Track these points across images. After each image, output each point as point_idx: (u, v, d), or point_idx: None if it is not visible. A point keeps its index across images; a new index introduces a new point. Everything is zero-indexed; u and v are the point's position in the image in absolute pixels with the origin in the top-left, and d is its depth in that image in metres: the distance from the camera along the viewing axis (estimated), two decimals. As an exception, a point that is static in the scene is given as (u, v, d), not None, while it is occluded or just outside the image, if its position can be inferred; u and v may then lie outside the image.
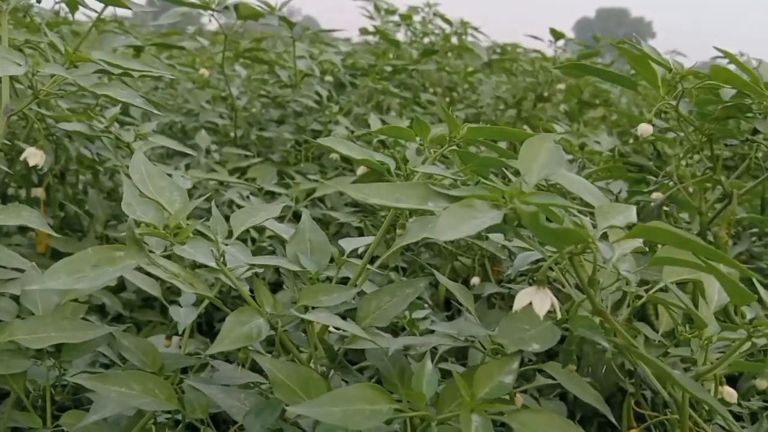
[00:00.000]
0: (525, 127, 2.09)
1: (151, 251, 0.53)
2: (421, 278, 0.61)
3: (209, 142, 1.54)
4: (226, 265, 0.55)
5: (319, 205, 1.43)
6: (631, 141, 1.44)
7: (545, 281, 0.45)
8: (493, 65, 2.21)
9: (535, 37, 2.04)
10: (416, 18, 2.44)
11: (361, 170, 1.44)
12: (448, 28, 2.36)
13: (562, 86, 1.99)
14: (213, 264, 0.51)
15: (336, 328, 0.58)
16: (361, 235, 1.56)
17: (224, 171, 1.42)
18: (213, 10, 1.30)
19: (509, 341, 0.46)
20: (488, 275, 1.07)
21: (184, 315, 0.64)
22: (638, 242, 0.53)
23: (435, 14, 2.52)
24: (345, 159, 1.71)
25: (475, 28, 2.02)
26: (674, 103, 0.86)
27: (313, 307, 0.54)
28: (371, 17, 2.48)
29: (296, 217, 1.34)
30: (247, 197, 1.31)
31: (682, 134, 0.99)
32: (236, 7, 1.52)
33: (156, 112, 0.72)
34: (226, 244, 0.57)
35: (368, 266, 0.63)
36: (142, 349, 0.61)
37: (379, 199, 0.47)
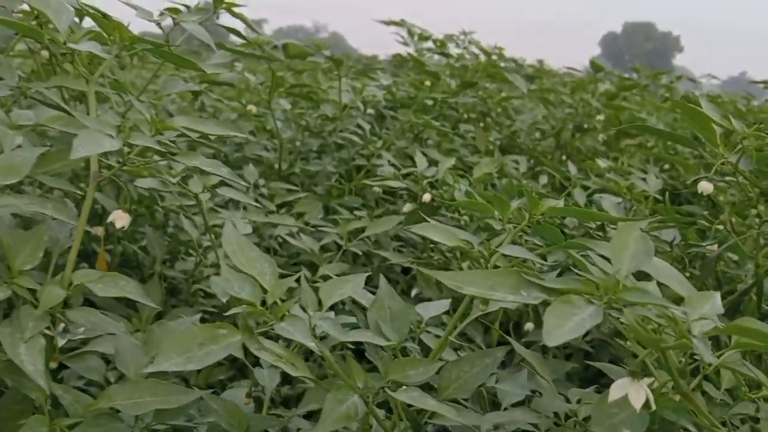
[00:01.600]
0: (563, 157, 2.10)
1: (249, 329, 0.55)
2: (499, 348, 0.63)
3: (257, 176, 1.57)
4: (319, 341, 0.57)
5: (364, 240, 1.46)
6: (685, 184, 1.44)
7: (640, 373, 0.47)
8: (531, 94, 2.23)
9: (574, 69, 2.05)
10: (450, 45, 2.46)
11: (407, 207, 1.47)
12: (482, 55, 2.39)
13: (601, 117, 1.99)
14: (313, 344, 0.53)
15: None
16: (405, 272, 1.58)
17: (271, 205, 1.46)
18: (262, 56, 1.33)
19: (603, 429, 0.48)
20: (541, 320, 1.08)
21: (268, 378, 0.66)
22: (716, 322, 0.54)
23: (471, 42, 2.55)
24: (386, 191, 1.74)
25: (515, 61, 2.04)
26: (733, 161, 0.87)
27: (400, 383, 0.56)
28: (405, 43, 2.52)
29: (346, 255, 1.37)
30: (298, 234, 1.34)
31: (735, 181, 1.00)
32: (285, 46, 1.56)
33: (241, 182, 0.75)
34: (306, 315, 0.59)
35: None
36: (229, 410, 0.64)
37: (474, 287, 0.49)
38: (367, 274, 0.63)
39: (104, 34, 0.78)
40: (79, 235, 0.70)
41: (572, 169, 1.62)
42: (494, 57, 2.29)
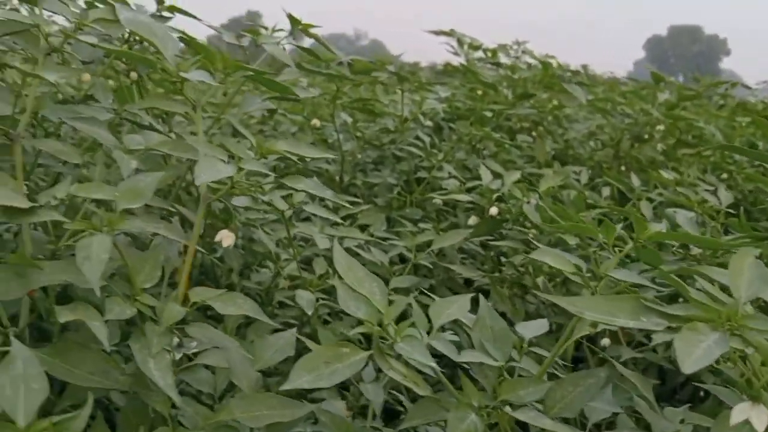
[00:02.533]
0: (622, 167, 2.09)
1: (361, 346, 0.58)
2: (602, 368, 0.64)
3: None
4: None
5: (428, 252, 1.48)
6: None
7: (760, 397, 0.48)
8: (586, 103, 2.22)
9: (633, 79, 2.04)
10: (501, 55, 2.47)
11: (472, 220, 1.48)
12: (535, 63, 2.39)
13: (661, 127, 1.98)
14: (432, 363, 0.56)
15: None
16: (469, 283, 1.59)
17: (336, 217, 1.49)
18: (334, 75, 1.37)
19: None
20: (617, 336, 1.08)
21: (373, 392, 0.69)
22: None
23: (524, 52, 2.55)
24: (446, 203, 1.76)
25: (572, 71, 2.04)
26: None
27: (511, 403, 0.58)
28: (456, 53, 2.53)
29: (414, 268, 1.40)
30: (367, 248, 1.37)
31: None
32: (351, 63, 1.59)
33: (345, 204, 0.78)
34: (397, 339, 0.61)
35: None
36: (337, 424, 0.67)
37: (594, 313, 0.50)
38: (470, 296, 0.65)
39: (208, 62, 0.82)
40: (190, 253, 0.74)
41: (635, 180, 1.61)
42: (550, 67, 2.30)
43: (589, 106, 2.29)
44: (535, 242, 1.24)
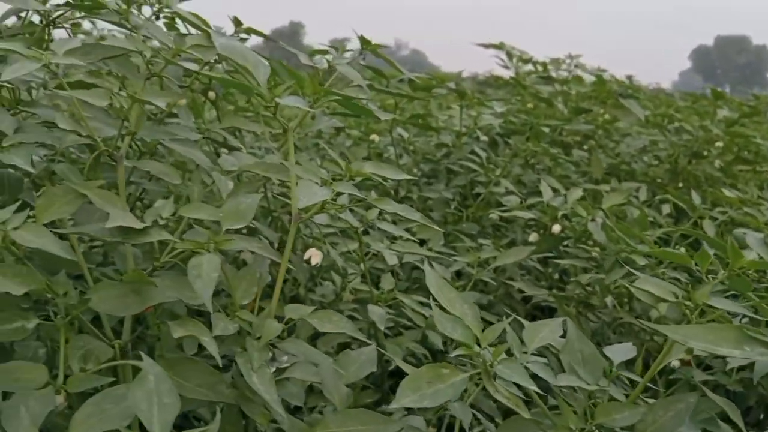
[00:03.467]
0: (679, 184, 2.06)
1: (461, 365, 0.60)
2: (692, 393, 0.65)
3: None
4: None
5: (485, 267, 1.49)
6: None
7: None
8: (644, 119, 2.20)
9: (691, 94, 2.02)
10: (551, 68, 2.47)
11: (533, 237, 1.49)
12: (587, 76, 2.39)
13: (719, 143, 1.96)
14: (534, 386, 0.57)
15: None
16: (526, 300, 1.60)
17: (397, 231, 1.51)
18: (399, 94, 1.40)
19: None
20: (687, 358, 1.08)
21: (461, 411, 0.71)
22: None
23: (577, 66, 2.55)
24: (503, 219, 1.77)
25: (631, 88, 2.03)
26: None
27: (605, 426, 0.59)
28: (506, 66, 2.54)
29: (475, 285, 1.41)
30: (430, 264, 1.39)
31: None
32: (411, 80, 1.62)
33: (434, 226, 0.81)
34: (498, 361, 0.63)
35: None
36: (425, 441, 0.69)
37: (699, 342, 0.52)
38: (561, 319, 0.66)
39: (298, 87, 0.86)
40: (282, 270, 0.78)
41: (695, 198, 1.60)
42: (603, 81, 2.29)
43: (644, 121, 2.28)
44: (595, 260, 1.25)
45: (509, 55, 2.53)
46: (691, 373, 1.01)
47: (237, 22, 1.22)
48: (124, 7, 0.86)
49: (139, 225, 0.65)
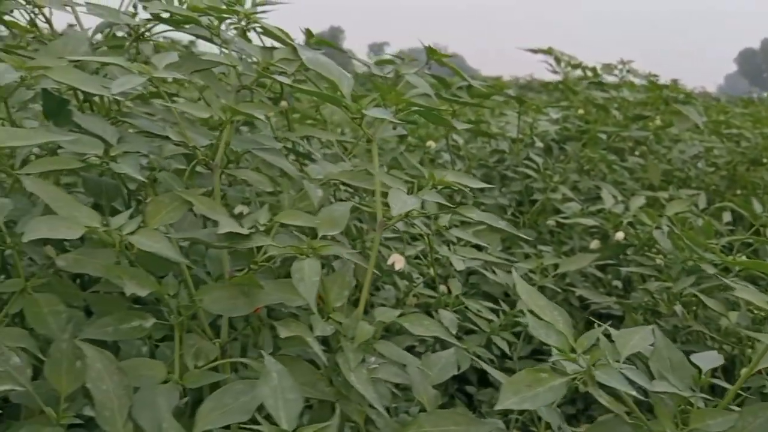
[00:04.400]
0: (737, 191, 2.04)
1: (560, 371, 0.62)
2: (780, 403, 0.66)
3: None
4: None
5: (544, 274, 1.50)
6: None
7: None
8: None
9: (740, 98, 2.00)
10: (601, 73, 2.46)
11: (594, 244, 1.50)
12: (638, 82, 2.38)
13: (780, 151, 1.93)
14: (633, 391, 0.59)
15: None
16: (585, 307, 1.60)
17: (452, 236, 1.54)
18: (462, 102, 1.42)
19: None
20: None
21: (548, 414, 0.72)
22: None
23: (629, 71, 2.53)
24: (559, 224, 1.77)
25: (688, 94, 2.02)
26: None
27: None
28: (555, 71, 2.54)
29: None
30: (491, 269, 1.41)
31: None
32: (469, 87, 1.64)
33: (523, 236, 0.83)
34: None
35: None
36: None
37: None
38: (650, 327, 0.68)
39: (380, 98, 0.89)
40: (369, 275, 0.80)
41: (757, 206, 1.58)
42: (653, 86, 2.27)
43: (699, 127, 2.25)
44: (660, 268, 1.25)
45: (557, 60, 2.53)
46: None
47: (309, 34, 1.26)
48: (216, 22, 0.90)
49: (245, 231, 0.68)
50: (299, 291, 0.65)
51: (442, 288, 1.32)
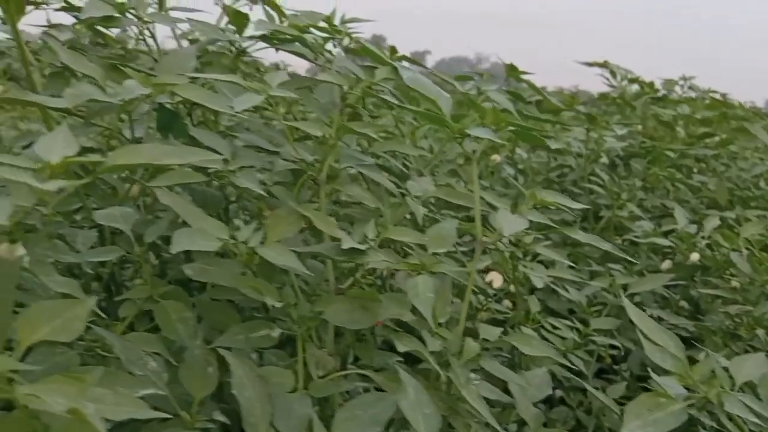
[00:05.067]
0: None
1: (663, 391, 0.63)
2: None
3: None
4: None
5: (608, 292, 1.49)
6: None
7: None
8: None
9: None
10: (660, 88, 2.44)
11: (666, 264, 1.49)
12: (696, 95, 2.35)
13: None
14: (755, 419, 0.60)
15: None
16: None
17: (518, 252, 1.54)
18: (536, 117, 1.43)
19: None
20: None
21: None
22: None
23: (690, 87, 2.51)
24: (624, 241, 1.76)
25: (753, 112, 1.99)
26: None
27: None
28: (611, 85, 2.53)
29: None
30: (563, 286, 1.41)
31: None
32: (539, 102, 1.65)
33: (625, 256, 0.84)
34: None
35: None
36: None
37: None
38: (762, 354, 0.68)
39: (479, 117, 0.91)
40: (468, 292, 0.82)
41: (831, 229, 1.55)
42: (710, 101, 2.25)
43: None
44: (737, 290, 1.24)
45: (613, 73, 2.52)
46: None
47: (393, 51, 1.29)
48: (321, 42, 0.94)
49: (363, 247, 0.71)
50: (417, 306, 0.67)
51: (506, 302, 1.33)
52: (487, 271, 0.88)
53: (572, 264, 1.49)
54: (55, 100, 0.65)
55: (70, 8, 0.97)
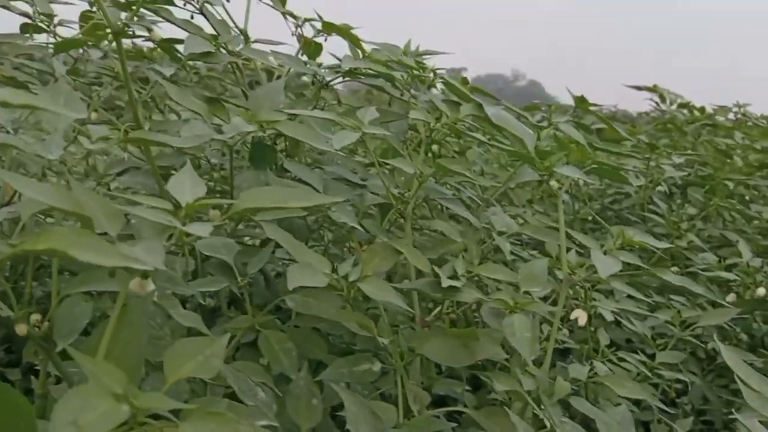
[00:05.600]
0: None
1: None
2: None
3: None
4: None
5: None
6: None
7: None
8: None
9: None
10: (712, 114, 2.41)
11: (731, 298, 1.47)
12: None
13: None
14: None
15: None
16: (712, 359, 1.58)
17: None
18: (607, 150, 1.43)
19: None
20: None
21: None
22: None
23: (744, 115, 2.49)
24: (683, 273, 1.75)
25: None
26: None
27: None
28: (660, 110, 2.51)
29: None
30: (628, 318, 1.41)
31: None
32: (600, 131, 1.66)
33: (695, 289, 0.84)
34: None
35: None
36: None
37: None
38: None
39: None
40: (555, 328, 0.83)
41: None
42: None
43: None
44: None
45: (662, 98, 2.50)
46: None
47: (464, 82, 1.31)
48: (409, 79, 0.96)
49: (458, 284, 0.73)
50: (513, 344, 0.69)
51: (563, 331, 1.33)
52: (571, 308, 0.89)
53: (632, 294, 1.49)
54: (177, 139, 0.68)
55: (149, 39, 1.02)
